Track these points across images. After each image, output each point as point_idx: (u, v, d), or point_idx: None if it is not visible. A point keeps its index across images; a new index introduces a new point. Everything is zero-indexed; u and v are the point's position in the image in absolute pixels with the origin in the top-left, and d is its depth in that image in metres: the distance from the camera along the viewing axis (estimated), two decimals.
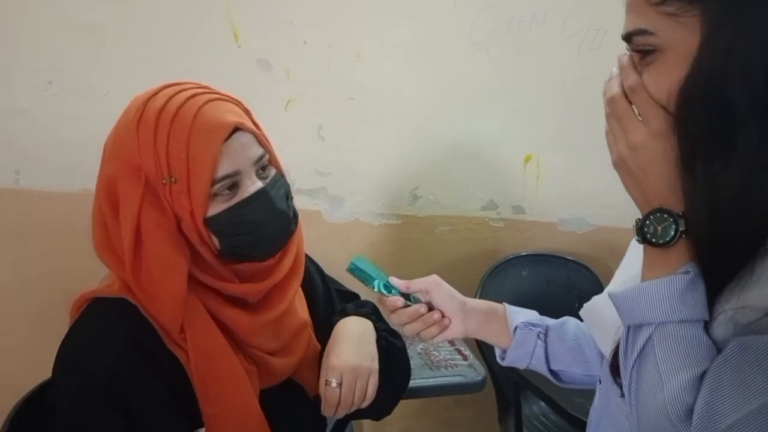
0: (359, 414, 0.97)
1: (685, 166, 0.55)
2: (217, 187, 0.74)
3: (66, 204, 1.72)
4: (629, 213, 0.63)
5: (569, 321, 0.94)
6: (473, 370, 1.28)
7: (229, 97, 0.80)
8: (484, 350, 1.61)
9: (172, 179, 0.72)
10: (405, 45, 1.75)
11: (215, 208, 0.74)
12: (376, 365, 0.89)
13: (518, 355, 0.91)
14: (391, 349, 0.96)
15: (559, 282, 1.83)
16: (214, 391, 0.76)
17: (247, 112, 0.81)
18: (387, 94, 1.78)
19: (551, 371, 0.92)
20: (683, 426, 0.51)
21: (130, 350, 0.73)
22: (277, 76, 1.70)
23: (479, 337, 0.94)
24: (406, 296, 0.89)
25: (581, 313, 0.89)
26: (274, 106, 1.68)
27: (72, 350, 0.76)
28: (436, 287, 0.90)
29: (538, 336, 0.91)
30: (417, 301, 0.89)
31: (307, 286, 0.97)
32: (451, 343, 1.40)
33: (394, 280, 0.88)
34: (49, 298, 1.73)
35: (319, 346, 0.95)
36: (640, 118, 0.58)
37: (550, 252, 1.91)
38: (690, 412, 0.52)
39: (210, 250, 0.76)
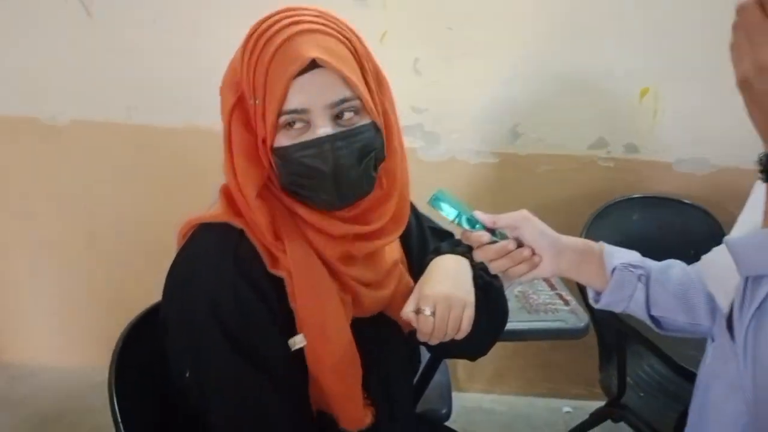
0: (454, 351, 0.95)
1: None
2: (285, 118, 0.73)
3: (173, 138, 1.80)
4: (761, 151, 0.54)
5: (675, 264, 0.85)
6: (574, 316, 1.22)
7: (338, 31, 0.76)
8: (586, 294, 1.53)
9: (256, 101, 0.74)
10: None
11: (283, 140, 0.75)
12: (472, 298, 0.85)
13: (615, 298, 0.83)
14: (489, 288, 0.92)
15: (675, 227, 1.68)
16: (311, 305, 0.78)
17: (354, 52, 0.77)
18: (489, 23, 1.67)
19: (651, 317, 0.84)
20: None
21: (232, 272, 0.75)
22: (372, 5, 1.64)
23: (572, 277, 0.86)
24: (492, 232, 0.81)
25: (700, 263, 0.80)
26: (369, 40, 1.62)
27: (178, 273, 0.79)
28: (525, 222, 0.82)
29: (639, 279, 0.82)
30: (504, 237, 0.82)
31: None
32: (551, 286, 1.34)
33: (480, 215, 0.81)
34: (160, 228, 1.84)
35: (411, 283, 0.93)
36: None
37: (665, 194, 1.75)
38: None
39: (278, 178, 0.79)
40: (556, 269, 0.84)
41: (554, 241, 0.83)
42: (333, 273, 0.81)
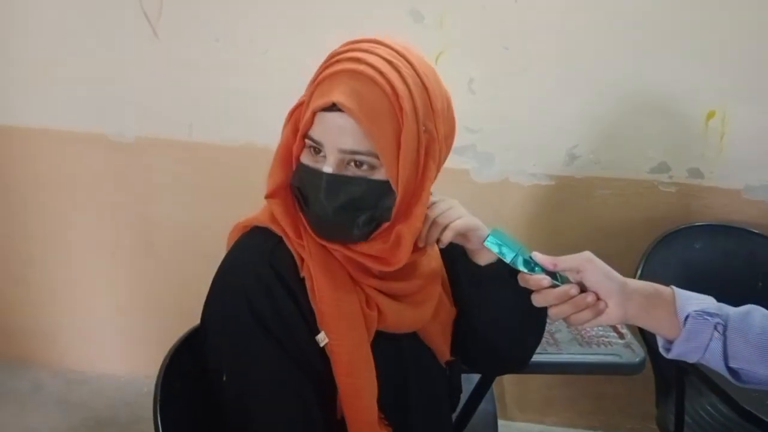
0: (497, 366, 0.96)
1: None
2: (307, 141, 0.78)
3: (232, 155, 1.84)
4: None
5: (755, 311, 0.78)
6: (630, 350, 1.16)
7: (391, 84, 0.74)
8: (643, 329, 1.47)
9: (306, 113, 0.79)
10: None
11: (303, 157, 0.80)
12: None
13: (688, 348, 0.77)
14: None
15: (740, 257, 1.59)
16: (328, 300, 0.79)
17: (397, 110, 0.74)
18: (546, 41, 1.64)
19: (729, 369, 0.77)
20: None
21: (268, 271, 0.79)
22: (429, 26, 1.64)
23: (640, 324, 0.81)
24: (552, 275, 0.77)
25: None
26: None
27: (219, 273, 0.84)
28: (589, 265, 0.77)
29: (716, 328, 0.75)
30: (565, 280, 0.77)
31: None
32: None
33: (538, 256, 0.77)
34: (215, 240, 1.89)
35: (454, 311, 0.92)
36: None
37: (731, 223, 1.66)
38: None
39: None
40: (623, 316, 0.78)
41: (621, 286, 0.78)
42: (355, 282, 0.83)
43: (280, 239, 0.81)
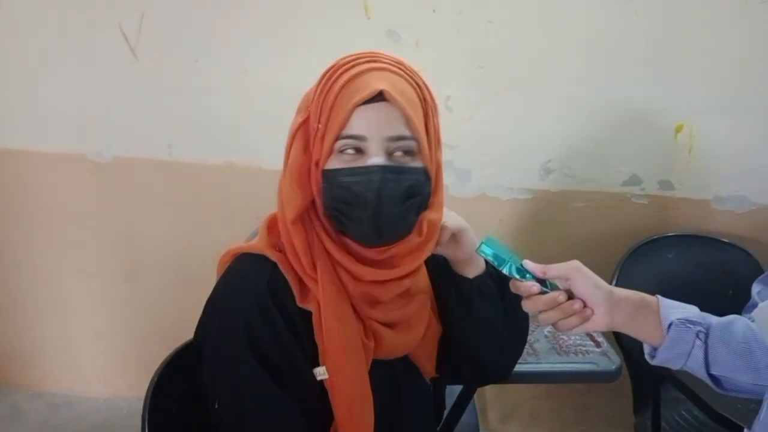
0: (481, 377, 0.97)
1: None
2: (341, 143, 0.76)
3: (213, 175, 1.85)
4: None
5: (737, 321, 0.81)
6: (606, 359, 1.19)
7: (411, 77, 0.79)
8: (620, 336, 1.49)
9: (319, 125, 0.78)
10: (540, 7, 1.63)
11: (333, 163, 0.77)
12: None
13: (672, 355, 0.79)
14: (506, 282, 0.91)
15: (712, 266, 1.64)
16: (336, 338, 0.79)
17: (422, 100, 0.79)
18: (520, 60, 1.68)
19: (711, 376, 0.80)
20: None
21: (265, 299, 0.78)
22: (406, 46, 1.68)
23: (626, 332, 0.83)
24: (542, 282, 0.79)
25: (755, 312, 0.78)
26: None
27: (214, 300, 0.82)
28: (577, 274, 0.79)
29: (697, 335, 0.78)
30: (554, 288, 0.80)
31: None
32: None
33: (529, 264, 0.79)
34: (198, 262, 1.89)
35: (440, 330, 0.93)
36: None
37: (702, 233, 1.71)
38: None
39: (322, 205, 0.80)
40: (609, 323, 0.81)
41: (608, 294, 0.80)
42: (357, 314, 0.82)
43: (275, 267, 0.80)
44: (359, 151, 0.76)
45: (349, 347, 0.79)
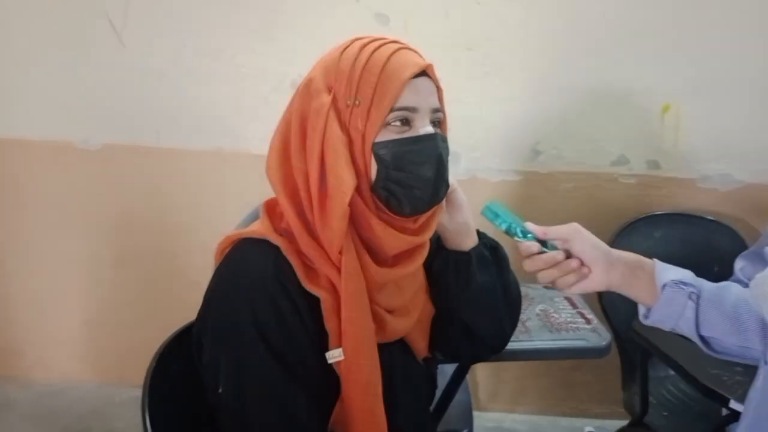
0: (477, 352, 0.99)
1: None
2: (392, 115, 0.78)
3: (200, 161, 1.85)
4: None
5: (730, 286, 0.83)
6: (597, 335, 1.21)
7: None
8: (609, 314, 1.52)
9: (356, 101, 0.78)
10: None
11: (385, 136, 0.79)
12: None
13: (664, 314, 0.82)
14: (498, 250, 0.95)
15: (698, 244, 1.67)
16: (355, 320, 0.80)
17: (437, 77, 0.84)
18: (508, 42, 1.69)
19: (701, 337, 0.82)
20: None
21: (273, 285, 0.78)
22: (394, 28, 1.68)
23: (622, 292, 0.85)
24: (542, 243, 0.82)
25: (750, 285, 0.80)
26: None
27: (218, 286, 0.82)
28: (576, 235, 0.83)
29: (690, 297, 0.80)
30: (554, 249, 0.83)
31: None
32: (573, 305, 1.33)
33: (531, 226, 0.83)
34: (187, 247, 1.90)
35: (433, 310, 0.95)
36: None
37: (688, 211, 1.74)
38: None
39: (368, 180, 0.80)
40: (607, 282, 0.84)
41: (606, 254, 0.84)
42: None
43: (279, 252, 0.80)
44: (405, 122, 0.79)
45: (366, 329, 0.81)
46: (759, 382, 0.74)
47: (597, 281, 0.83)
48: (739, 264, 1.32)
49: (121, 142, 1.84)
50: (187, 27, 1.73)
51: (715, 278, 0.87)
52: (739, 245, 1.63)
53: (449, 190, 0.88)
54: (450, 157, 0.84)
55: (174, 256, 1.93)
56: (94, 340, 2.05)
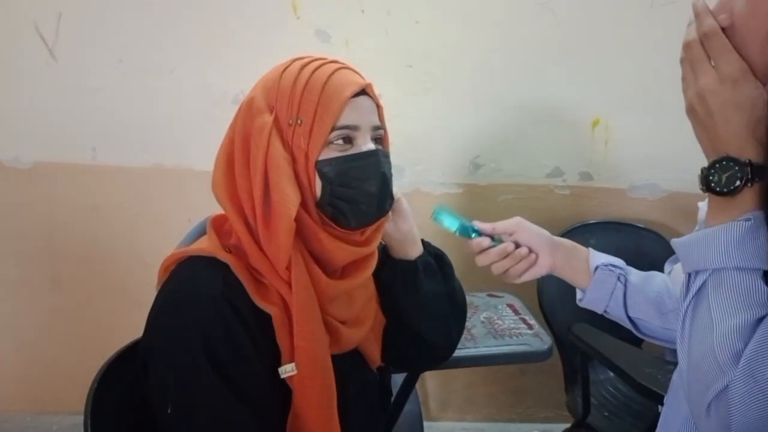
0: (426, 359, 1.01)
1: None
2: (334, 134, 0.79)
3: (140, 178, 1.80)
4: None
5: (656, 275, 0.92)
6: (539, 339, 1.26)
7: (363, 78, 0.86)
8: (549, 319, 1.58)
9: (299, 121, 0.79)
10: (465, 8, 1.70)
11: (328, 153, 0.80)
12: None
13: (596, 296, 0.90)
14: (443, 259, 0.99)
15: (630, 250, 1.76)
16: (308, 334, 0.80)
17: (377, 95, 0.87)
18: (447, 60, 1.74)
19: (630, 319, 0.90)
20: (729, 369, 0.52)
21: (223, 304, 0.77)
22: (335, 46, 1.70)
23: (562, 275, 0.93)
24: (491, 238, 0.90)
25: (671, 273, 0.87)
26: None
27: (164, 306, 0.80)
28: (521, 226, 0.91)
29: (618, 279, 0.89)
30: (502, 242, 0.90)
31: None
32: (515, 312, 1.38)
33: (479, 224, 0.90)
34: (126, 267, 1.83)
35: (384, 320, 0.97)
36: (713, 64, 0.56)
37: (620, 219, 1.83)
38: (738, 356, 0.52)
39: (312, 197, 0.81)
40: (551, 265, 0.91)
41: (549, 239, 0.92)
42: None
43: (228, 269, 0.79)
44: (347, 140, 0.81)
45: (320, 341, 0.81)
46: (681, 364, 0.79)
47: (543, 265, 0.91)
48: (668, 268, 1.41)
49: (54, 160, 1.77)
50: (124, 40, 1.69)
51: None
52: (667, 250, 1.72)
53: (394, 200, 0.90)
54: (394, 171, 0.86)
55: (112, 278, 1.86)
56: (29, 365, 1.94)
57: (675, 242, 0.61)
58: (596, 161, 1.85)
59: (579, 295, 0.94)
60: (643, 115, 1.80)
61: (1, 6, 1.65)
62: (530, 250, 0.90)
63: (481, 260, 0.90)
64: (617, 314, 0.91)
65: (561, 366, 1.65)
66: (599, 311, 0.92)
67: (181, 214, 1.56)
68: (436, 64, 1.74)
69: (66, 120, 1.75)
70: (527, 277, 0.91)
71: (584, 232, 1.75)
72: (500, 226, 0.91)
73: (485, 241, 0.89)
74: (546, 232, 0.93)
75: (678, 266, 0.82)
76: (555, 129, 1.82)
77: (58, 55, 1.70)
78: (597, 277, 0.89)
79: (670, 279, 0.87)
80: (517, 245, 0.90)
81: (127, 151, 1.78)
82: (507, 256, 0.89)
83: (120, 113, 1.75)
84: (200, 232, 0.89)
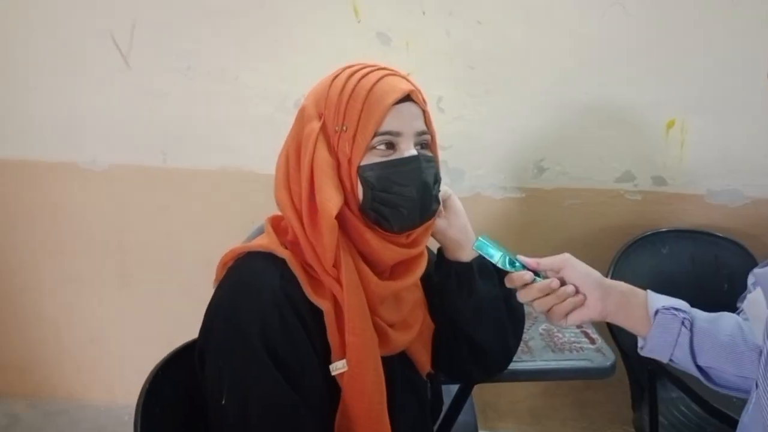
0: (480, 369, 0.99)
1: None
2: (377, 139, 0.81)
3: (206, 180, 1.86)
4: None
5: (725, 315, 0.82)
6: (601, 355, 1.19)
7: (412, 83, 0.86)
8: (615, 332, 1.50)
9: (344, 127, 0.82)
10: (529, 6, 1.64)
11: (370, 159, 0.82)
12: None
13: (659, 343, 0.80)
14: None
15: (707, 261, 1.64)
16: (359, 331, 0.81)
17: (424, 101, 0.87)
18: (510, 60, 1.69)
19: (699, 368, 0.80)
20: None
21: (281, 298, 0.79)
22: (396, 48, 1.68)
23: (617, 321, 0.84)
24: (535, 274, 0.84)
25: (744, 306, 0.79)
26: None
27: (223, 300, 0.82)
28: (568, 264, 0.84)
29: (683, 323, 0.79)
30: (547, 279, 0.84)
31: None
32: (578, 325, 1.32)
33: (523, 258, 0.84)
34: (192, 267, 1.90)
35: (433, 325, 0.96)
36: None
37: (696, 228, 1.72)
38: None
39: (356, 200, 0.83)
40: (602, 310, 0.83)
41: (599, 282, 0.84)
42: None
43: (285, 264, 0.82)
44: (390, 146, 0.82)
45: (370, 339, 0.82)
46: (750, 406, 0.72)
47: (593, 308, 0.82)
48: (752, 279, 1.31)
49: (127, 163, 1.86)
50: (191, 48, 1.75)
51: (725, 296, 0.85)
52: (749, 262, 1.60)
53: (445, 197, 0.91)
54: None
55: (177, 276, 1.93)
56: (100, 358, 2.06)
57: (759, 273, 0.55)
58: (671, 165, 1.74)
59: (640, 342, 0.84)
60: (724, 116, 1.68)
61: (81, 18, 1.75)
62: (577, 290, 0.82)
63: (523, 295, 0.84)
64: (684, 363, 0.81)
65: (628, 380, 1.56)
66: (664, 360, 0.82)
67: (244, 215, 1.59)
68: (498, 65, 1.69)
69: (139, 125, 1.83)
70: (574, 319, 0.83)
71: (656, 241, 1.65)
72: (546, 261, 0.84)
73: (527, 275, 0.83)
74: (596, 273, 0.85)
75: (753, 296, 0.74)
76: (625, 131, 1.72)
77: (132, 62, 1.77)
78: (658, 323, 0.80)
79: (747, 312, 0.78)
80: (563, 283, 0.83)
81: (194, 154, 1.84)
82: (551, 293, 0.82)
83: (188, 118, 1.81)
84: (260, 233, 0.91)
